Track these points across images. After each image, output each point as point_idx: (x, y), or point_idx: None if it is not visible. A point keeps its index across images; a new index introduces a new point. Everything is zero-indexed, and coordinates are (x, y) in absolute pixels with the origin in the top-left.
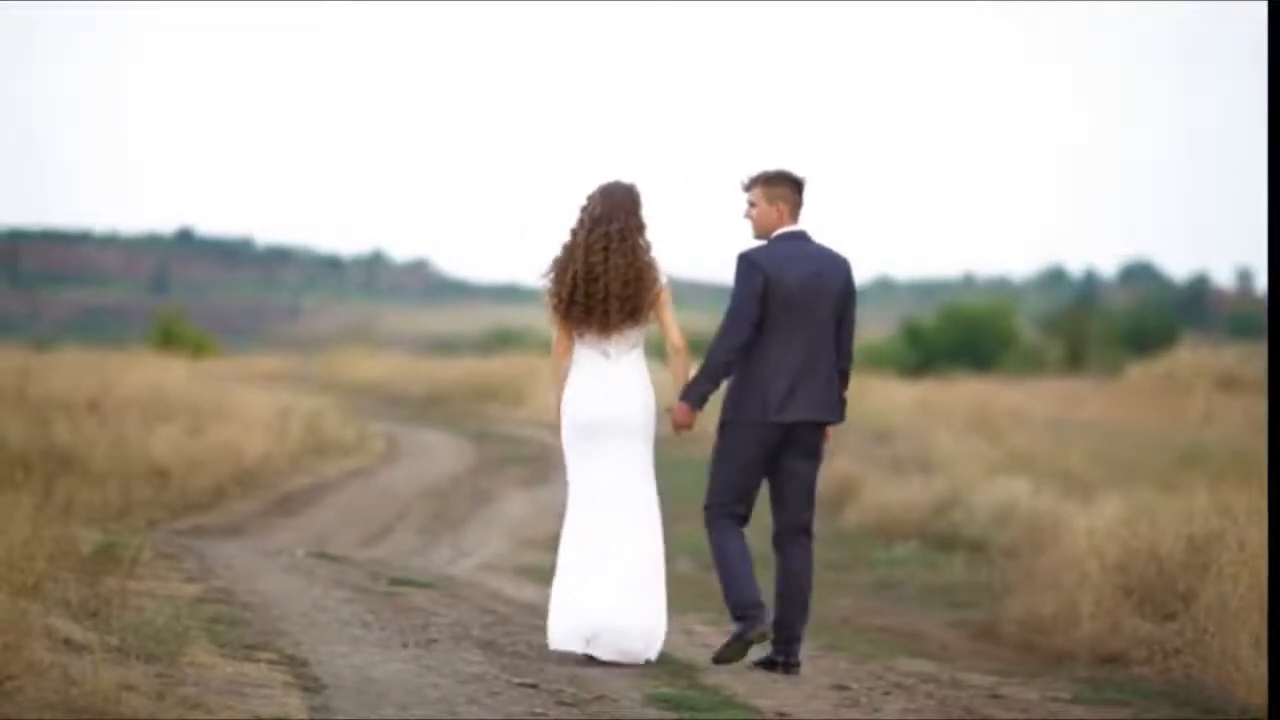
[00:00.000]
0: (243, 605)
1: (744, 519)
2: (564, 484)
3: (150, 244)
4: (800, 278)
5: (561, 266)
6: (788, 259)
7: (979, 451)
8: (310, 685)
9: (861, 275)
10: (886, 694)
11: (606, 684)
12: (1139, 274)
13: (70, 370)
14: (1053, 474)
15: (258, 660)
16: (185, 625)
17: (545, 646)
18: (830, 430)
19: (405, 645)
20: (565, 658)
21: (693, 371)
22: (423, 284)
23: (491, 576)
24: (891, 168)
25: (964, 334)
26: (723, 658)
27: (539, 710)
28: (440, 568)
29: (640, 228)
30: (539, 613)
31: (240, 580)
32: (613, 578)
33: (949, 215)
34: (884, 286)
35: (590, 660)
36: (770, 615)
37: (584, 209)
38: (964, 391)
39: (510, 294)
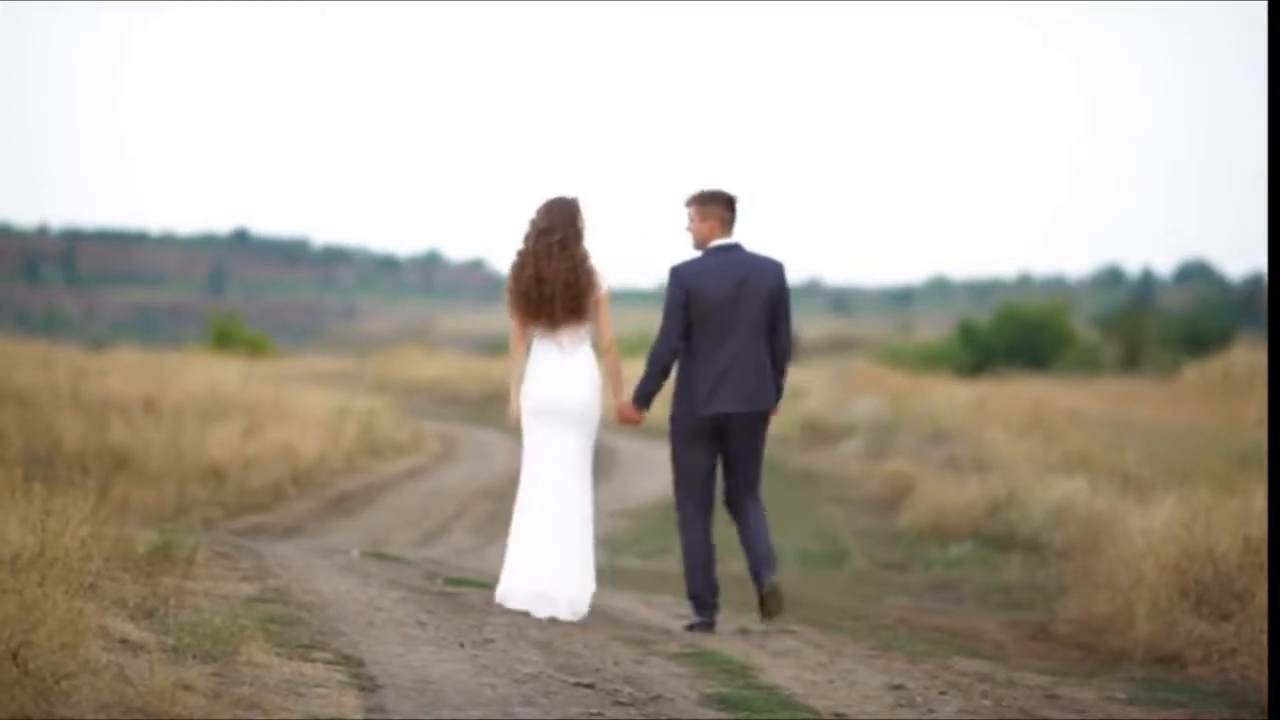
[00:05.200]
0: (299, 605)
1: (706, 501)
2: (618, 483)
3: (206, 244)
4: (722, 286)
5: (517, 270)
6: (712, 270)
7: (1035, 451)
8: (366, 685)
9: (918, 275)
10: (943, 694)
11: (663, 684)
12: (1195, 273)
13: (126, 370)
14: (1109, 474)
15: (314, 660)
16: (241, 625)
17: (599, 644)
18: (775, 410)
19: (461, 645)
20: (506, 609)
21: (627, 368)
22: (479, 284)
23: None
24: (948, 168)
25: (1020, 334)
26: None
27: (595, 710)
28: (496, 567)
29: (579, 237)
30: (595, 611)
31: (296, 580)
32: (556, 547)
33: (1005, 215)
34: (940, 286)
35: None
36: (719, 612)
37: (532, 221)
38: (1020, 391)
39: None
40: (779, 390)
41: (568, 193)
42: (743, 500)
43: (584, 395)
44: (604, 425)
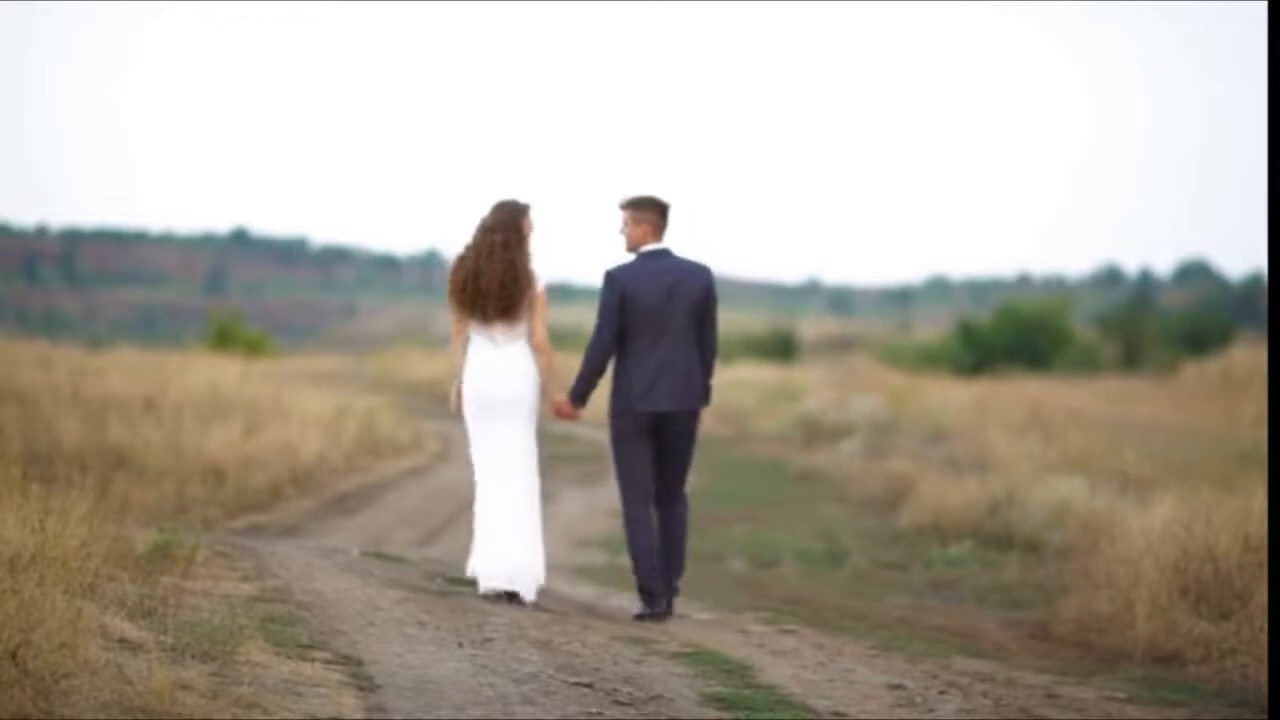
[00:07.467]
0: (298, 604)
1: (649, 495)
2: (615, 484)
3: (206, 243)
4: (655, 290)
5: (457, 264)
6: (645, 274)
7: (1034, 451)
8: (365, 685)
9: (917, 274)
10: (942, 693)
11: (662, 683)
12: (1195, 273)
13: (126, 370)
14: (1108, 473)
15: (313, 659)
16: (241, 624)
17: (599, 644)
18: (701, 413)
19: (461, 645)
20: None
21: (556, 363)
22: None
23: (546, 576)
24: (948, 168)
25: (1019, 333)
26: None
27: (594, 710)
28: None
29: (521, 240)
30: (595, 612)
31: (296, 579)
32: (501, 529)
33: (1004, 215)
34: (939, 286)
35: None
36: (670, 597)
37: (482, 219)
38: (1019, 391)
39: (562, 293)
40: (707, 391)
41: (520, 196)
42: (670, 500)
43: (514, 386)
44: (591, 426)
